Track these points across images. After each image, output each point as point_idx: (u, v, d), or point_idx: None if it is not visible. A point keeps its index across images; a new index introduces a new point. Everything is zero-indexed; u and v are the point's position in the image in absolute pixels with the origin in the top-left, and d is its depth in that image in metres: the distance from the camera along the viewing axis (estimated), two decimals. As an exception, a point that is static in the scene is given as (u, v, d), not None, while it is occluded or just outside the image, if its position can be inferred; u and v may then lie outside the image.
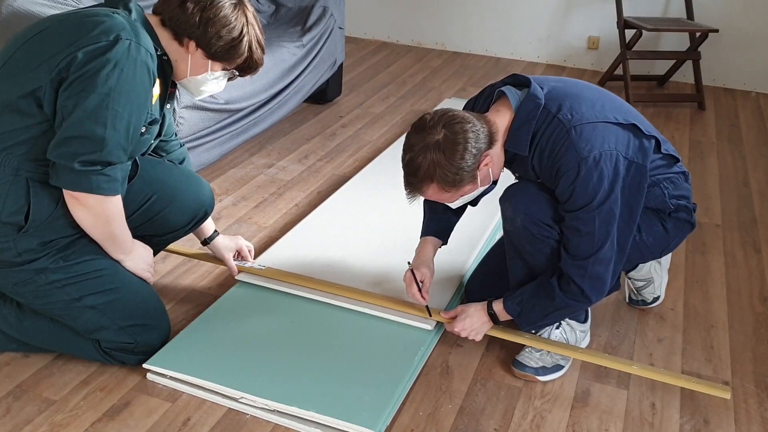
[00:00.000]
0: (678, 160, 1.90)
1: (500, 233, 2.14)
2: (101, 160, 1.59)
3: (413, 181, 1.70)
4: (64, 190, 1.63)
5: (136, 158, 1.87)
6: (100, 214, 1.66)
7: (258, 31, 1.79)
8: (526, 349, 1.90)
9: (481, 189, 1.76)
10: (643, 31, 4.05)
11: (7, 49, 1.65)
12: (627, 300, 2.21)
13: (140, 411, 1.70)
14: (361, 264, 2.26)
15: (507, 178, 1.89)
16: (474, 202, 1.89)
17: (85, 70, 1.54)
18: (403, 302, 2.03)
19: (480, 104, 1.86)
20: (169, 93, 1.80)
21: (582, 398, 1.83)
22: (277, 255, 2.29)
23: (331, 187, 2.90)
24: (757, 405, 1.84)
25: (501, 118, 1.75)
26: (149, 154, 1.96)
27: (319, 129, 3.52)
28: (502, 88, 1.77)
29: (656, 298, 2.18)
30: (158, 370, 1.78)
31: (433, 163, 1.64)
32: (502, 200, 1.83)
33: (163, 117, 1.84)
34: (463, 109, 1.84)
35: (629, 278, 2.17)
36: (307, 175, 3.02)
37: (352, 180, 2.88)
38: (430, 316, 1.97)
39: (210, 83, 1.80)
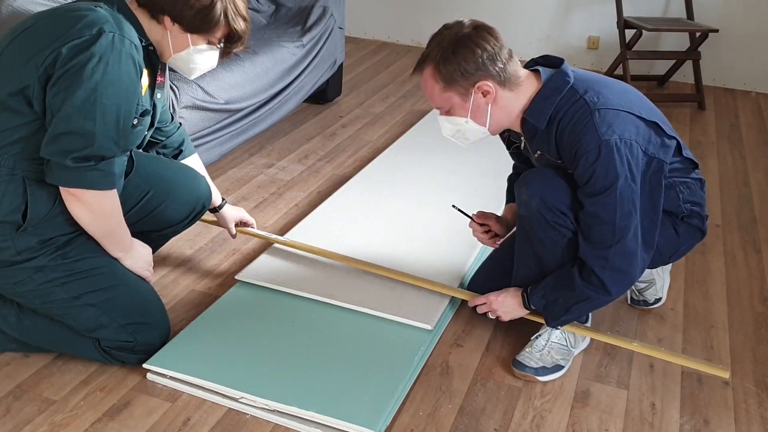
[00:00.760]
0: (696, 166, 1.89)
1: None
2: (93, 155, 1.58)
3: (422, 59, 1.75)
4: (60, 188, 1.62)
5: (132, 154, 1.87)
6: (98, 210, 1.66)
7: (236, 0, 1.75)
8: (526, 350, 1.90)
9: (470, 123, 1.75)
10: (643, 31, 4.05)
11: None
12: (629, 301, 2.21)
13: (140, 411, 1.70)
14: (366, 257, 2.25)
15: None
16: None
17: (70, 66, 1.53)
18: (420, 278, 2.09)
19: None
20: (158, 82, 1.79)
21: (582, 398, 1.83)
22: (277, 255, 2.29)
23: (331, 187, 2.90)
24: (757, 405, 1.84)
25: (527, 86, 1.76)
26: (150, 139, 1.95)
27: (319, 129, 3.52)
28: (538, 67, 1.79)
29: (658, 300, 2.18)
30: (158, 370, 1.78)
31: (441, 46, 1.70)
32: (519, 185, 1.82)
33: (154, 107, 1.82)
34: None
35: None
36: (307, 175, 3.02)
37: (352, 180, 2.88)
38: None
39: (197, 58, 1.76)
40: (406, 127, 3.51)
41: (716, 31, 3.99)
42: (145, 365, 1.79)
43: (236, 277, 2.17)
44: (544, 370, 1.87)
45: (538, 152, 1.82)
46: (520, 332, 2.01)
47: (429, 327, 1.97)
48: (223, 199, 2.22)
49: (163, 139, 2.03)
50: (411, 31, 5.03)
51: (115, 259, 1.79)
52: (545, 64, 1.82)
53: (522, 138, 1.87)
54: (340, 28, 3.71)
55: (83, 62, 1.53)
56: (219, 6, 1.70)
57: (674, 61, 4.32)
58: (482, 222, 2.07)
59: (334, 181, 2.96)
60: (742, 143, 3.61)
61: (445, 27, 1.76)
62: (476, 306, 1.98)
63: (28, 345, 1.84)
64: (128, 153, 1.79)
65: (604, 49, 4.60)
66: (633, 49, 4.23)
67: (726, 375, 1.83)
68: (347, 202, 2.68)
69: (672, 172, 1.81)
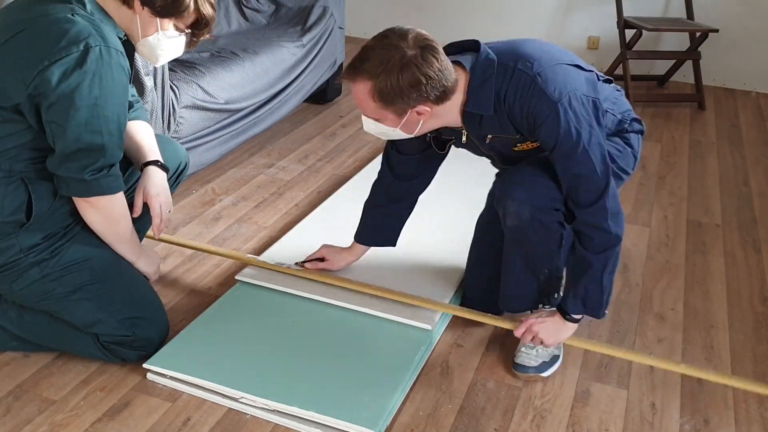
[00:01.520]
0: (611, 81, 1.94)
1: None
2: (105, 165, 1.65)
3: (358, 66, 1.63)
4: (74, 198, 1.69)
5: None
6: (110, 214, 1.73)
7: None
8: (521, 350, 1.89)
9: (398, 132, 1.72)
10: (643, 31, 4.05)
11: None
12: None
13: (140, 411, 1.70)
14: (360, 263, 2.25)
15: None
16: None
17: (65, 87, 1.55)
18: (411, 295, 2.04)
19: None
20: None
21: (582, 398, 1.83)
22: (278, 255, 2.29)
23: (331, 187, 2.90)
24: (757, 405, 1.84)
25: (459, 85, 1.70)
26: None
27: (319, 129, 3.52)
28: (457, 57, 1.72)
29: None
30: (158, 370, 1.78)
31: (384, 65, 1.59)
32: (501, 199, 1.80)
33: None
34: None
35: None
36: (307, 175, 3.02)
37: (352, 180, 2.88)
38: None
39: (164, 44, 1.76)
40: (406, 127, 3.51)
41: (716, 31, 3.99)
42: (145, 365, 1.79)
43: (236, 277, 2.17)
44: (545, 365, 1.87)
45: (490, 136, 1.79)
46: (520, 332, 2.01)
47: (429, 327, 1.97)
48: (156, 161, 1.91)
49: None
50: (411, 31, 5.03)
51: (118, 258, 1.82)
52: (460, 50, 1.76)
53: (463, 131, 1.82)
54: (340, 28, 3.71)
55: (78, 81, 1.56)
56: None
57: (674, 61, 4.32)
58: (318, 258, 2.17)
59: (334, 181, 2.96)
60: (742, 143, 3.61)
61: (389, 35, 1.62)
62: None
63: (28, 343, 1.85)
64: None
65: (604, 49, 4.60)
66: (633, 49, 4.23)
67: None
68: (347, 202, 2.68)
69: (603, 102, 1.80)
